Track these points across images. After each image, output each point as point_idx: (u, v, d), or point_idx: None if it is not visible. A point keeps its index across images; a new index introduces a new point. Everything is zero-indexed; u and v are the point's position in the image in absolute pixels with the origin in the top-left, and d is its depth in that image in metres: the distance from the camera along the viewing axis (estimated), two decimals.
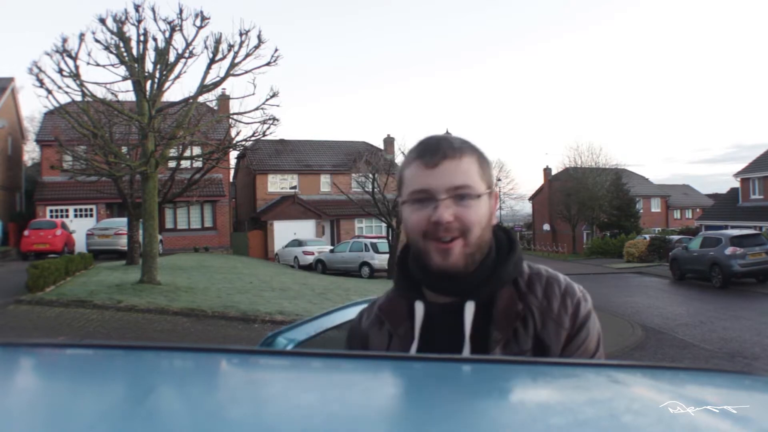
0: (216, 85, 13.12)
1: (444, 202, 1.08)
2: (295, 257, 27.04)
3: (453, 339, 1.11)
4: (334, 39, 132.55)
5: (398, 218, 22.41)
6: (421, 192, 1.10)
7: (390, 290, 1.26)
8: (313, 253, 26.33)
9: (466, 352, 1.09)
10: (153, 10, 12.00)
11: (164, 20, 12.11)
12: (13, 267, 17.88)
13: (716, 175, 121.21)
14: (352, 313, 1.59)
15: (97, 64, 12.17)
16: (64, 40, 11.81)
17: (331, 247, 27.42)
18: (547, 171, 53.92)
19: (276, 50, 13.17)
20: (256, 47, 12.74)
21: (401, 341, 1.15)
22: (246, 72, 12.96)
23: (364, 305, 1.60)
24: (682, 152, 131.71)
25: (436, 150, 1.10)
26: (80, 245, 22.88)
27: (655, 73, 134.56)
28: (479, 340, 1.10)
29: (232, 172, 35.71)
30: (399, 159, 26.81)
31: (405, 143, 71.48)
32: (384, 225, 26.65)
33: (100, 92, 13.23)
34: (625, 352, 8.95)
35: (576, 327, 1.12)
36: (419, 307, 1.14)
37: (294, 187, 34.26)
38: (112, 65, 12.25)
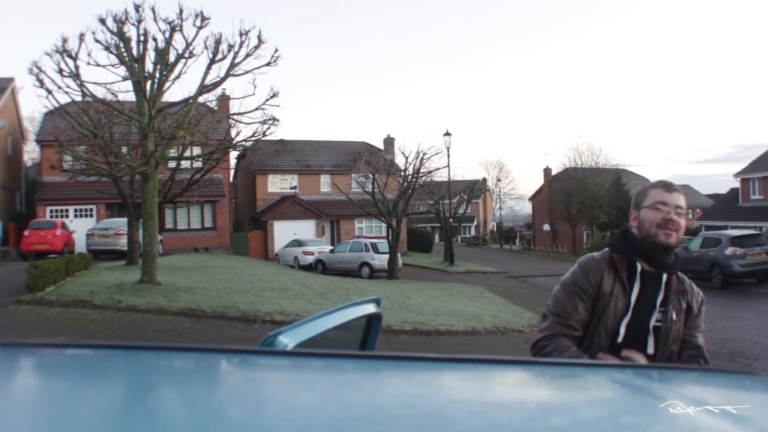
0: (216, 85, 13.10)
1: (673, 210, 1.99)
2: (295, 257, 27.02)
3: (654, 291, 1.99)
4: (334, 39, 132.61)
5: (398, 218, 22.33)
6: (662, 203, 2.00)
7: (607, 252, 2.08)
8: (313, 254, 26.30)
9: (660, 298, 1.99)
10: (153, 10, 11.99)
11: (164, 20, 12.09)
12: (13, 267, 17.87)
13: (716, 175, 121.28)
14: (352, 313, 1.60)
15: (97, 64, 12.16)
16: (64, 40, 11.81)
17: (331, 248, 27.38)
18: (547, 171, 53.87)
19: (276, 50, 13.15)
20: (256, 47, 12.73)
21: (624, 279, 1.99)
22: (246, 72, 12.94)
23: (365, 305, 1.62)
24: (682, 152, 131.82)
25: (671, 185, 2.06)
26: (80, 245, 22.87)
27: (655, 73, 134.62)
28: (665, 298, 2.01)
29: (232, 172, 35.70)
30: (399, 159, 26.84)
31: (405, 143, 71.07)
32: (384, 225, 26.64)
33: (100, 92, 13.21)
34: None
35: (701, 308, 2.13)
36: (639, 265, 2.01)
37: (294, 188, 34.25)
38: (112, 65, 12.23)
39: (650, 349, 1.95)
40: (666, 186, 2.04)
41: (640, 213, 2.04)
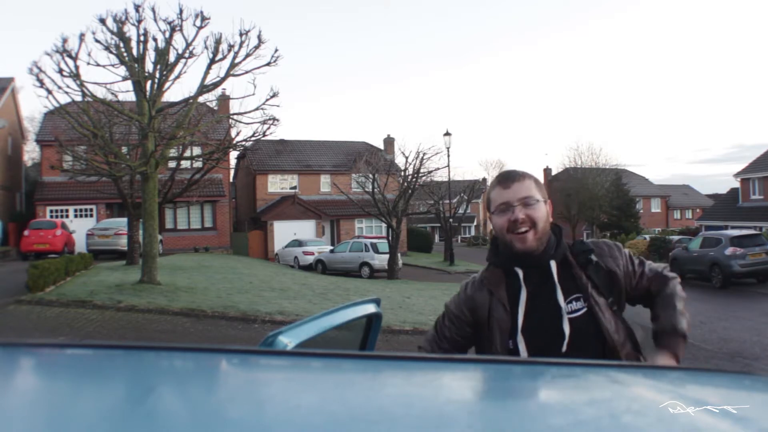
0: (216, 85, 13.11)
1: (517, 207, 1.68)
2: (295, 257, 27.02)
3: (550, 286, 1.69)
4: (334, 38, 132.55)
5: (398, 218, 22.37)
6: (502, 204, 1.70)
7: (485, 268, 1.81)
8: (313, 254, 26.30)
9: (559, 293, 1.67)
10: (153, 10, 12.00)
11: (164, 20, 12.10)
12: (13, 267, 17.87)
13: (716, 175, 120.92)
14: (352, 313, 1.60)
15: (97, 64, 12.16)
16: (64, 40, 11.81)
17: (331, 248, 27.39)
18: (547, 171, 53.91)
19: (276, 50, 13.17)
20: (256, 47, 12.74)
21: (500, 297, 1.72)
22: (246, 72, 12.95)
23: (365, 305, 1.62)
24: (682, 152, 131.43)
25: (508, 177, 1.74)
26: (80, 245, 22.87)
27: (656, 72, 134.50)
28: (566, 289, 1.69)
29: (232, 172, 35.70)
30: (399, 159, 26.86)
31: (405, 143, 70.98)
32: (384, 225, 26.64)
33: (100, 92, 13.22)
34: None
35: (629, 260, 1.84)
36: (519, 271, 1.72)
37: (294, 188, 34.26)
38: (112, 65, 12.24)
39: (564, 347, 1.62)
40: (502, 181, 1.73)
41: (492, 219, 1.75)
